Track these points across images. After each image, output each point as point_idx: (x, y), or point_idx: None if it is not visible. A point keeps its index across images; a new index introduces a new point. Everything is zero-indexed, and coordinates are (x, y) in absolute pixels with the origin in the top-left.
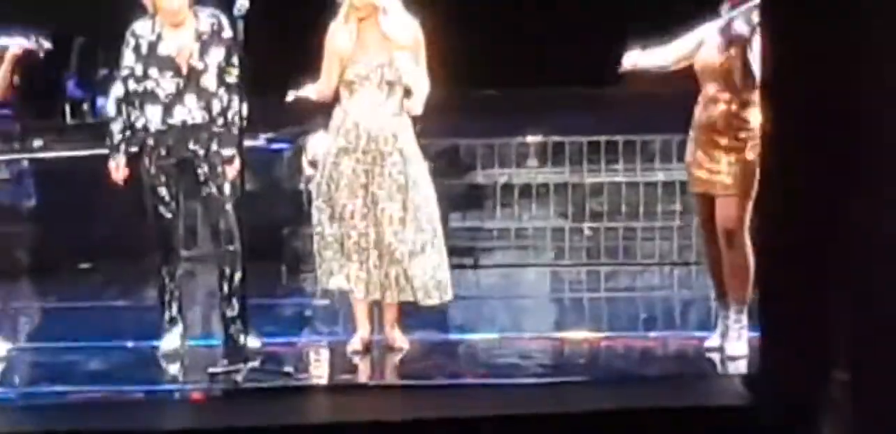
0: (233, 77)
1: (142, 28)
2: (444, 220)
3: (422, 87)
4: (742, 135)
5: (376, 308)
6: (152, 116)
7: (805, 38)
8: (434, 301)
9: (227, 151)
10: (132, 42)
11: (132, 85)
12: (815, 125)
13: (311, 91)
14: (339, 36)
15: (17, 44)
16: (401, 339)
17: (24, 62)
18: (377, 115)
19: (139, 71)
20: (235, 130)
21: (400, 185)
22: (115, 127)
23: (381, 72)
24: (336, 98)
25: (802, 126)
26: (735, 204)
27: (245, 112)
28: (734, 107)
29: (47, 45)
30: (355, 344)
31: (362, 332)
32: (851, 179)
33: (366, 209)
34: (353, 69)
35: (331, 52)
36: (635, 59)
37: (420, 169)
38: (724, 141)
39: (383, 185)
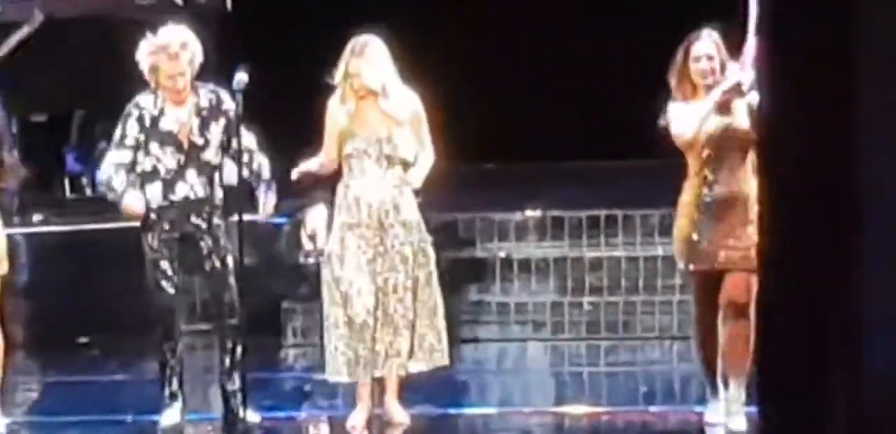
0: (233, 151)
1: (145, 101)
2: (444, 294)
3: (425, 161)
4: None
5: (376, 382)
6: (153, 192)
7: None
8: (426, 367)
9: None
10: (135, 113)
11: (138, 156)
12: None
13: (314, 164)
14: (337, 112)
15: None
16: (401, 414)
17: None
18: (377, 188)
19: (141, 143)
20: (236, 203)
21: (404, 256)
22: (116, 181)
23: (379, 147)
24: (339, 174)
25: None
26: (753, 276)
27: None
28: (754, 177)
29: None
30: (355, 419)
31: (362, 406)
32: (854, 249)
33: (373, 286)
34: (352, 143)
35: (330, 128)
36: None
37: (423, 238)
38: (749, 214)
39: (387, 257)
